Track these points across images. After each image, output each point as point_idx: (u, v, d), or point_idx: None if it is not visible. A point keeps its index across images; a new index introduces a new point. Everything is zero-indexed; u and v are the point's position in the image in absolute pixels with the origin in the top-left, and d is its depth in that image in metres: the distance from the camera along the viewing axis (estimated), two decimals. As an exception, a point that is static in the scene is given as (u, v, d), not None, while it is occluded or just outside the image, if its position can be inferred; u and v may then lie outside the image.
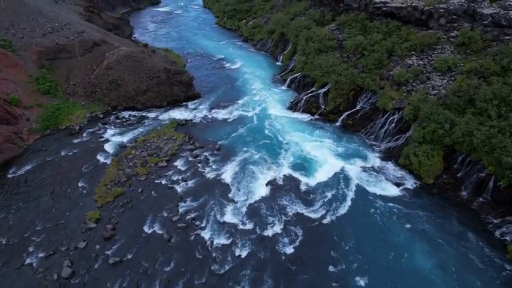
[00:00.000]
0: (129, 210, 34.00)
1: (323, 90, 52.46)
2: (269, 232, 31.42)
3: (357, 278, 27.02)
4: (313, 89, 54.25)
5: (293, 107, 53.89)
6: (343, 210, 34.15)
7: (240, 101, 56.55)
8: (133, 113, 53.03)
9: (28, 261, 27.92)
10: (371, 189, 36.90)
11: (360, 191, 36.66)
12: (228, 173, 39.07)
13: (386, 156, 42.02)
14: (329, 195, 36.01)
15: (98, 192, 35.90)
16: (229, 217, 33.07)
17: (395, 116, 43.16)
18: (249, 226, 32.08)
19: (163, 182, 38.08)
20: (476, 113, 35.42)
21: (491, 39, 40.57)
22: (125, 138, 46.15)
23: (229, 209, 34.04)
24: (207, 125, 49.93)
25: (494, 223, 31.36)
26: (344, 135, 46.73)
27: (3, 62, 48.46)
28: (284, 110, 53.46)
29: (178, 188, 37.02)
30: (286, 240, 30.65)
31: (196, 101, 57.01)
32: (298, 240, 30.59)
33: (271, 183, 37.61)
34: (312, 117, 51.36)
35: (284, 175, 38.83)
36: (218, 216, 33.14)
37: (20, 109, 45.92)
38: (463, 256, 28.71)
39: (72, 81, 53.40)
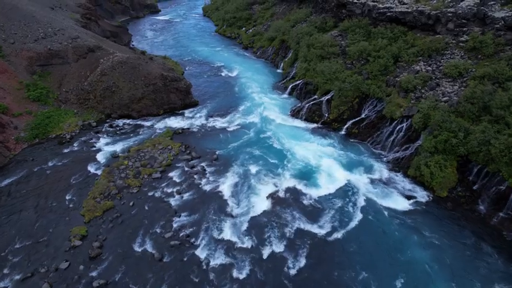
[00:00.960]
0: (119, 226, 31.33)
1: (326, 97, 50.25)
2: (270, 251, 28.72)
3: (369, 304, 24.28)
4: (316, 96, 52.07)
5: (295, 115, 51.62)
6: (350, 225, 31.50)
7: (240, 109, 54.32)
8: (128, 121, 50.72)
9: (1, 285, 25.11)
10: (380, 202, 34.30)
11: (368, 204, 34.05)
12: (226, 185, 36.52)
13: (395, 166, 39.52)
14: (335, 209, 33.38)
15: (86, 206, 33.28)
16: (227, 234, 30.39)
17: (404, 125, 40.80)
18: (249, 244, 29.36)
19: (157, 194, 35.49)
20: (492, 120, 33.06)
21: (504, 44, 38.52)
22: (118, 148, 43.75)
23: (227, 224, 31.36)
24: (204, 134, 47.55)
25: (517, 241, 28.72)
26: (349, 144, 44.32)
27: (-8, 68, 46.47)
28: (285, 118, 51.15)
29: (173, 202, 34.42)
30: (289, 259, 27.93)
31: (194, 109, 54.76)
32: (302, 260, 27.88)
33: (272, 196, 35.02)
34: (314, 125, 49.04)
35: (286, 187, 36.25)
36: (215, 233, 30.44)
37: (7, 117, 43.59)
38: (486, 279, 25.92)
39: (65, 88, 51.23)
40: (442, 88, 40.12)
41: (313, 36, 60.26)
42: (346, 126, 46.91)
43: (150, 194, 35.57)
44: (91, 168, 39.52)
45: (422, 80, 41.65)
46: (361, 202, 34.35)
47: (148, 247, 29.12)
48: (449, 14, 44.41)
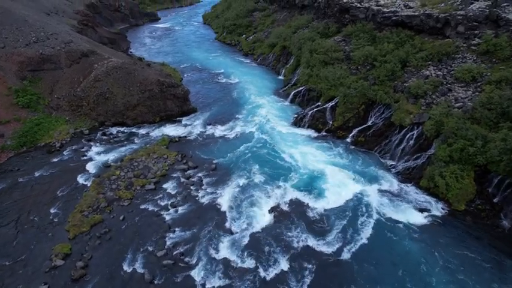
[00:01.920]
0: (107, 243, 28.52)
1: (330, 104, 47.92)
2: (273, 271, 25.87)
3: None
4: (319, 103, 49.74)
5: (297, 122, 49.18)
6: (360, 242, 28.68)
7: (240, 117, 51.92)
8: (122, 129, 48.24)
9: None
10: (392, 216, 31.55)
11: (379, 218, 31.29)
12: (224, 198, 33.79)
13: (405, 177, 36.89)
14: (343, 224, 30.62)
15: (72, 220, 30.51)
16: (225, 252, 27.56)
17: (414, 132, 38.33)
18: (249, 264, 26.52)
19: (150, 207, 32.75)
20: (513, 127, 30.63)
21: (520, 46, 36.40)
22: (110, 157, 41.16)
23: (225, 241, 28.56)
24: (202, 143, 45.00)
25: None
26: (355, 153, 41.75)
27: (-20, 74, 44.25)
28: (288, 126, 48.69)
29: (167, 216, 31.66)
30: (293, 281, 25.10)
31: (192, 116, 52.35)
32: (308, 282, 25.04)
33: (275, 209, 32.28)
34: (318, 133, 46.55)
35: (290, 200, 33.54)
36: (212, 251, 27.61)
37: (-7, 124, 41.18)
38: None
39: (57, 95, 48.91)
40: (454, 93, 37.78)
41: (316, 41, 58.36)
42: (352, 134, 44.43)
43: (142, 207, 32.84)
44: (80, 179, 36.86)
45: (433, 85, 39.38)
46: (371, 216, 31.60)
47: (139, 267, 26.28)
48: (459, 17, 42.41)
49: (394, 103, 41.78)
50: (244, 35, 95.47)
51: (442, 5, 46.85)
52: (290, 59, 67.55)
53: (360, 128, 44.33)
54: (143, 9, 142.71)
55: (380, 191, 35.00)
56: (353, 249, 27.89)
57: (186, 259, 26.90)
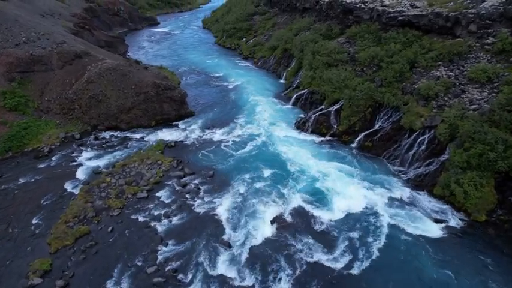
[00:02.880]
0: (92, 258, 25.84)
1: (334, 107, 45.51)
2: (276, 290, 23.18)
3: None
4: (323, 106, 47.35)
5: (300, 126, 46.71)
6: (372, 257, 26.02)
7: (239, 121, 49.48)
8: (115, 134, 45.76)
9: None
10: (404, 227, 28.90)
11: (391, 230, 28.64)
12: (223, 207, 31.15)
13: (417, 184, 34.30)
14: (352, 236, 27.95)
15: (55, 232, 27.86)
16: (223, 268, 24.88)
17: (426, 136, 35.81)
18: (249, 281, 23.82)
19: (141, 218, 30.10)
20: (536, 130, 28.16)
21: (538, 45, 34.12)
22: (101, 163, 38.66)
23: (223, 256, 25.87)
24: (200, 148, 42.48)
25: None
26: (362, 159, 39.22)
27: (-34, 75, 41.97)
28: (290, 131, 46.22)
29: (159, 227, 29.00)
30: (299, 302, 22.38)
31: (189, 120, 49.91)
32: (316, 302, 22.32)
33: (277, 220, 29.61)
34: (322, 138, 44.08)
35: (293, 209, 30.91)
36: (208, 267, 24.91)
37: (-23, 128, 38.76)
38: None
39: (47, 97, 46.56)
40: (468, 95, 35.38)
41: (319, 43, 56.21)
42: (358, 138, 41.92)
43: (133, 217, 30.20)
44: (68, 187, 34.30)
45: (445, 87, 37.01)
46: (382, 227, 28.96)
47: (126, 285, 23.58)
48: (470, 15, 40.20)
49: (403, 106, 39.33)
50: (244, 39, 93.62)
51: (451, 3, 44.69)
52: (291, 62, 65.40)
53: (366, 132, 41.83)
54: (142, 14, 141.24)
55: (390, 199, 32.40)
56: (363, 266, 25.20)
57: (179, 276, 24.21)
